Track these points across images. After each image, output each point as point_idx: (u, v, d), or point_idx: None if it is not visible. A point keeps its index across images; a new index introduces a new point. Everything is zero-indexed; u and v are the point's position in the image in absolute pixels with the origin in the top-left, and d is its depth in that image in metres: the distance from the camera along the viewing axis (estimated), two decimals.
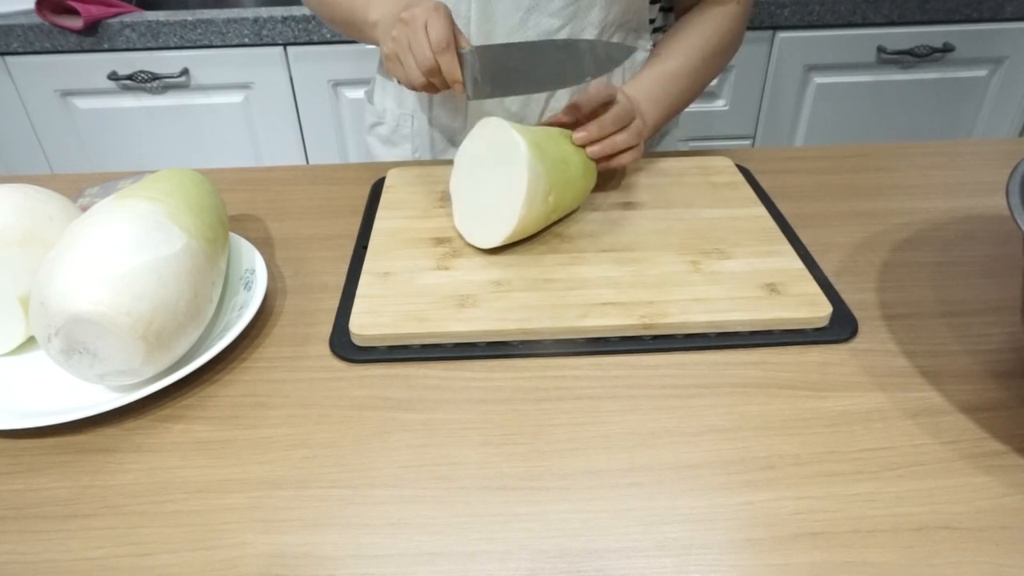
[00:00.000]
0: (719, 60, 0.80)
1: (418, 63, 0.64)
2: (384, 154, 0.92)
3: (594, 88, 0.67)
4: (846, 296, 0.60)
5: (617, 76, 0.83)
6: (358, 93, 1.43)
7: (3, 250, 0.54)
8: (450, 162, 0.84)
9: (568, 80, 0.65)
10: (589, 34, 0.77)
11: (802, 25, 1.39)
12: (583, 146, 0.67)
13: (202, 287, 0.54)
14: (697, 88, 0.79)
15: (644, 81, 0.75)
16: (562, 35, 0.76)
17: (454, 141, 0.86)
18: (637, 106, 0.72)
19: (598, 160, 0.68)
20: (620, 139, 0.68)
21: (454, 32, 0.64)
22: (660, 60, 0.77)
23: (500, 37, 0.76)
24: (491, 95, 0.67)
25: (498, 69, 0.66)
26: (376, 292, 0.60)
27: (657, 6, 0.83)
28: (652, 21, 0.83)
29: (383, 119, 0.90)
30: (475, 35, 0.75)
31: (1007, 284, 0.62)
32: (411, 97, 0.86)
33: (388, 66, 0.68)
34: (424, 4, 0.64)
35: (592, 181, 0.69)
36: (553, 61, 0.64)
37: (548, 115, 0.82)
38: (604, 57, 0.64)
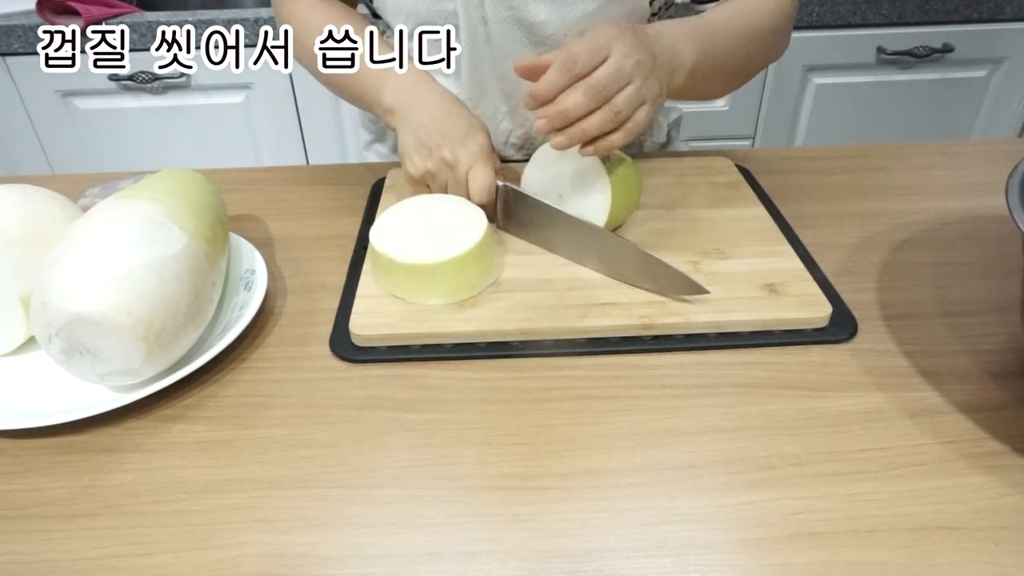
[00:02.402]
0: (766, 35, 0.69)
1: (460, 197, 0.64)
2: (377, 157, 0.91)
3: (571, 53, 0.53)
4: (846, 296, 0.60)
5: None
6: None
7: (4, 250, 0.54)
8: None
9: (586, 262, 0.61)
10: None
11: (802, 25, 1.39)
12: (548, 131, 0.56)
13: (202, 287, 0.54)
14: (743, 54, 0.67)
15: (687, 22, 0.63)
16: None
17: None
18: (673, 41, 0.59)
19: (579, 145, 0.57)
20: (593, 118, 0.55)
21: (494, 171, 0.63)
22: (700, 16, 0.66)
23: (493, 80, 0.75)
24: (515, 235, 0.66)
25: (525, 221, 0.64)
26: (376, 292, 0.60)
27: (656, 18, 0.82)
28: None
29: (384, 137, 0.89)
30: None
31: (1007, 284, 0.62)
32: None
33: (411, 184, 0.67)
34: (468, 144, 0.62)
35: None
36: (578, 240, 0.60)
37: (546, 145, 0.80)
38: (642, 274, 0.58)
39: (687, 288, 0.57)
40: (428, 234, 0.59)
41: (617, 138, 0.55)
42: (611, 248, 0.60)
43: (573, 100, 0.53)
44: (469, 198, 0.63)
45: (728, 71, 0.68)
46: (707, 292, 0.56)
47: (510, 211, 0.65)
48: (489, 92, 0.77)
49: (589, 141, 0.56)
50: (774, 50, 0.72)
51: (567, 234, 0.62)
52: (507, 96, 0.77)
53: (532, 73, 0.56)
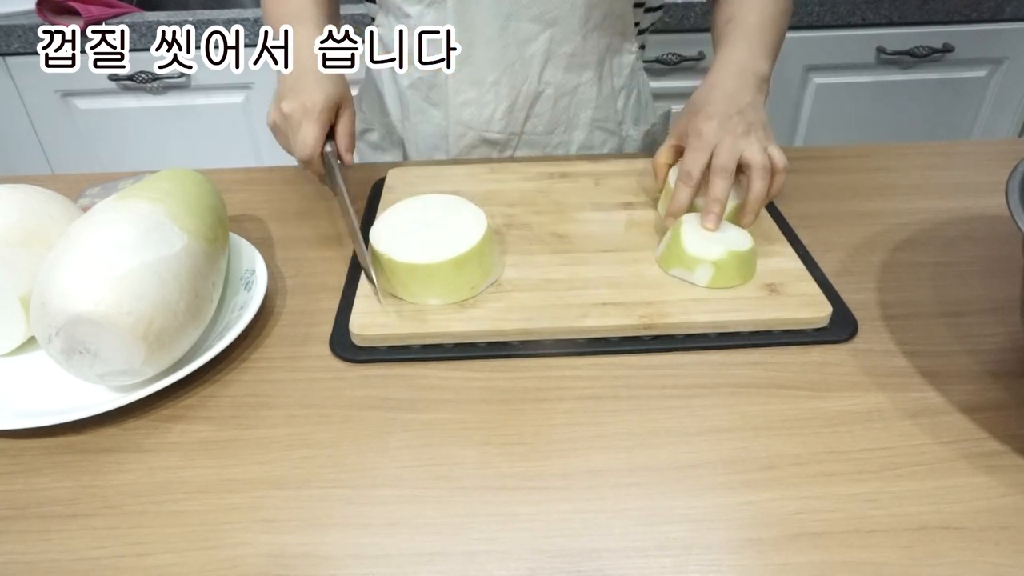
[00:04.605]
0: (787, 6, 0.75)
1: (294, 156, 0.67)
2: (375, 160, 0.92)
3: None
4: (846, 296, 0.60)
5: (608, 81, 0.82)
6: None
7: (4, 250, 0.54)
8: (449, 162, 0.84)
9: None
10: (570, 40, 0.77)
11: (802, 25, 1.39)
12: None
13: (202, 287, 0.54)
14: (783, 35, 0.74)
15: (741, 39, 0.69)
16: (542, 40, 0.76)
17: (439, 146, 0.86)
18: (745, 70, 0.66)
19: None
20: (759, 187, 0.61)
21: (325, 133, 0.65)
22: (740, 22, 0.71)
23: (480, 45, 0.75)
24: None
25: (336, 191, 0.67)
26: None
27: (642, 9, 0.82)
28: (637, 24, 0.83)
29: (372, 126, 0.90)
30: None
31: (1007, 284, 0.62)
32: (392, 107, 0.86)
33: (273, 134, 0.69)
34: (305, 99, 0.64)
35: None
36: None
37: (529, 122, 0.82)
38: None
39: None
40: (428, 234, 0.59)
41: (781, 182, 0.63)
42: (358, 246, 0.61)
43: (720, 189, 0.60)
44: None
45: (782, 41, 0.73)
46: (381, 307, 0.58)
47: (332, 178, 0.67)
48: (475, 59, 0.77)
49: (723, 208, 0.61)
50: (791, 13, 0.77)
51: (347, 221, 0.64)
52: (493, 63, 0.77)
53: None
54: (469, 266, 0.57)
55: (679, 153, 0.66)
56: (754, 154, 0.61)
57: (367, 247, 0.61)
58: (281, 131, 0.67)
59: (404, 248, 0.58)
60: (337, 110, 0.67)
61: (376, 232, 0.60)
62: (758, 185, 0.61)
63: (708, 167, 0.62)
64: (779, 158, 0.62)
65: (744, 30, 0.70)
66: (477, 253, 0.58)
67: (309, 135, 0.64)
